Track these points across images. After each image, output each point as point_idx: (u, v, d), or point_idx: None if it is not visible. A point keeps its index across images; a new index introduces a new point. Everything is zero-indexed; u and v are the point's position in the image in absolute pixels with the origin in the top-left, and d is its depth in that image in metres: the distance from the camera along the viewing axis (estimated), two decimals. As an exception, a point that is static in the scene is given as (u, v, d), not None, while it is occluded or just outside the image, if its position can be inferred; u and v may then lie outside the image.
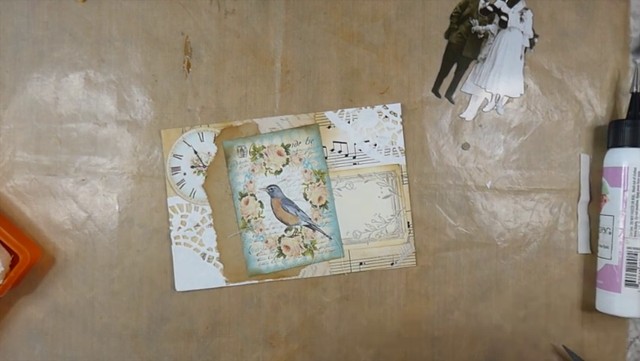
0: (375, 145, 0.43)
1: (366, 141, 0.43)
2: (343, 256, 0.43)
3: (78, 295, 0.43)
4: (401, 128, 0.43)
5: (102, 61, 0.43)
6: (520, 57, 0.43)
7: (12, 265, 0.40)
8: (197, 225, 0.43)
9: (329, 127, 0.43)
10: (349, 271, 0.43)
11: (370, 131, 0.43)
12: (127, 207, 0.43)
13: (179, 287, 0.43)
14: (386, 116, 0.43)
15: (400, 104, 0.43)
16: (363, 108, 0.43)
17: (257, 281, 0.43)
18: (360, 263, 0.43)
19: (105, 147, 0.43)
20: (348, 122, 0.43)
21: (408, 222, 0.43)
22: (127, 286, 0.43)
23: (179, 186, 0.43)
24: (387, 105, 0.43)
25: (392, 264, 0.43)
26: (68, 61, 0.43)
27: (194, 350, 0.43)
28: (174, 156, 0.43)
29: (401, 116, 0.43)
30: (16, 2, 0.43)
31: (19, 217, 0.43)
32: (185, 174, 0.43)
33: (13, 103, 0.43)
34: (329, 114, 0.43)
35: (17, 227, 0.43)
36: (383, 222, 0.43)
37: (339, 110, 0.43)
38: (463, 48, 0.43)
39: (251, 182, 0.43)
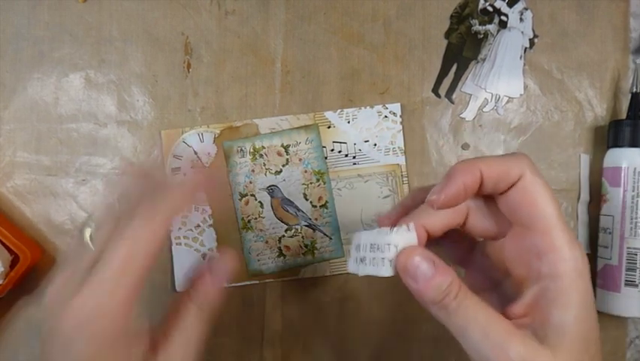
0: (375, 145, 0.43)
1: (365, 141, 0.43)
2: (343, 256, 0.43)
3: (78, 295, 0.43)
4: (400, 128, 0.43)
5: (102, 61, 0.43)
6: (520, 57, 0.43)
7: (12, 265, 0.40)
8: (198, 225, 0.43)
9: (329, 127, 0.43)
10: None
11: (370, 131, 0.43)
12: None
13: (179, 288, 0.43)
14: (386, 116, 0.43)
15: (399, 104, 0.43)
16: (362, 108, 0.43)
17: (257, 281, 0.43)
18: (361, 263, 0.43)
19: (105, 147, 0.43)
20: (348, 122, 0.43)
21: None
22: (127, 286, 0.43)
23: (180, 186, 0.43)
24: (386, 105, 0.43)
25: (392, 264, 0.43)
26: (69, 61, 0.43)
27: (194, 349, 0.43)
28: (174, 156, 0.43)
29: (401, 116, 0.43)
30: (16, 2, 0.43)
31: (19, 217, 0.43)
32: (185, 174, 0.43)
33: (13, 103, 0.43)
34: (328, 114, 0.43)
35: (18, 227, 0.43)
36: (383, 222, 0.43)
37: (339, 110, 0.43)
38: (463, 48, 0.43)
39: (251, 182, 0.43)
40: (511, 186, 0.26)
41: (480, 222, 0.29)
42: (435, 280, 0.26)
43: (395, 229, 0.28)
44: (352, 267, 0.30)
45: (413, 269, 0.26)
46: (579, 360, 0.25)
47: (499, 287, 0.29)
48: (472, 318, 0.25)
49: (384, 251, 0.28)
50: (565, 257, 0.25)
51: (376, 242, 0.28)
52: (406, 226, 0.28)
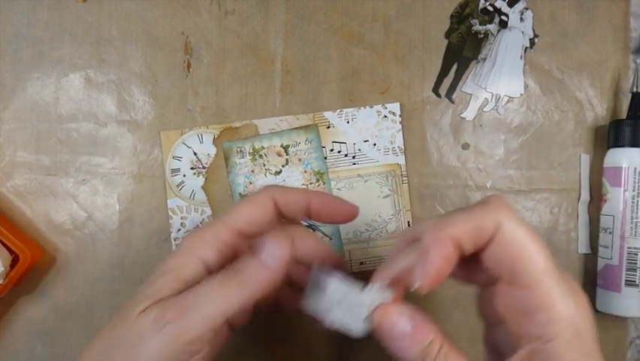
0: (375, 145, 0.43)
1: (365, 141, 0.43)
2: (344, 256, 0.43)
3: (78, 295, 0.43)
4: (400, 127, 0.43)
5: (102, 61, 0.43)
6: (521, 57, 0.43)
7: (12, 265, 0.40)
8: (197, 226, 0.43)
9: (328, 127, 0.43)
10: (350, 270, 0.43)
11: (369, 131, 0.43)
12: (127, 207, 0.43)
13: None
14: (385, 116, 0.43)
15: (398, 103, 0.43)
16: (362, 108, 0.43)
17: (257, 281, 0.43)
18: (361, 263, 0.43)
19: (105, 146, 0.43)
20: (347, 122, 0.43)
21: (408, 222, 0.43)
22: (127, 286, 0.43)
23: (179, 187, 0.43)
24: (386, 105, 0.43)
25: (392, 264, 0.43)
26: (68, 61, 0.43)
27: (194, 349, 0.43)
28: (174, 157, 0.43)
29: (400, 116, 0.43)
30: (16, 2, 0.43)
31: (19, 217, 0.43)
32: (184, 175, 0.43)
33: (13, 103, 0.43)
34: (328, 114, 0.43)
35: (18, 227, 0.43)
36: (383, 221, 0.43)
37: (338, 110, 0.43)
38: (463, 48, 0.43)
39: (250, 183, 0.43)
40: (490, 241, 0.23)
41: (465, 273, 0.27)
42: (415, 337, 0.24)
43: (368, 287, 0.27)
44: (319, 308, 0.28)
45: (389, 327, 0.24)
46: None
47: (495, 332, 0.27)
48: None
49: (357, 308, 0.27)
50: (556, 317, 0.22)
51: (348, 300, 0.27)
52: (377, 285, 0.26)
